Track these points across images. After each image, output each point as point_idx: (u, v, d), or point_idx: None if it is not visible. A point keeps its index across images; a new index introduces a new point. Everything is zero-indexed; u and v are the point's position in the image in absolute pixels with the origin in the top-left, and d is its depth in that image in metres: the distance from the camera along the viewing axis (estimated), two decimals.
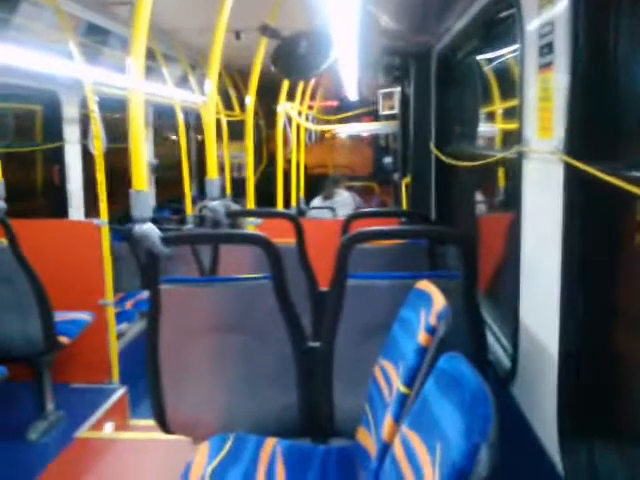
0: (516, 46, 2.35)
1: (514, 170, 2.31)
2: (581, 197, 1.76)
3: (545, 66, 1.94)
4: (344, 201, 8.14)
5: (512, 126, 2.78)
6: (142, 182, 2.34)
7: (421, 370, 1.66)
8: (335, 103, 10.18)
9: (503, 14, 2.76)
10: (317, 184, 8.57)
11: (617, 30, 1.71)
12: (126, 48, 4.74)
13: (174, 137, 7.89)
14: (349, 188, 9.41)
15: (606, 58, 1.73)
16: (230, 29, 3.33)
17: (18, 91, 4.94)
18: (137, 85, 2.30)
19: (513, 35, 2.38)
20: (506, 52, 3.13)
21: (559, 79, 1.82)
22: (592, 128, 1.73)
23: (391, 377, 1.83)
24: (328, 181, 8.42)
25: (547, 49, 1.92)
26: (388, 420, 1.68)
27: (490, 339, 2.68)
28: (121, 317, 4.40)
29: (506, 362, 2.45)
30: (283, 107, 5.97)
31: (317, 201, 8.30)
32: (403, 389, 1.67)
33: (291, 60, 4.05)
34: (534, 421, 2.07)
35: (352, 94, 8.32)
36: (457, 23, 3.66)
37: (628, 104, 1.72)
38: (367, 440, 1.93)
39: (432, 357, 1.65)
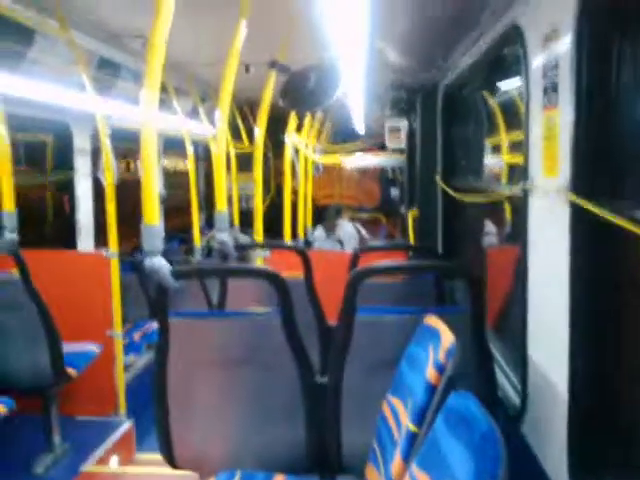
0: (521, 82, 2.39)
1: (520, 206, 2.33)
2: (587, 234, 1.77)
3: (550, 105, 1.97)
4: (348, 235, 8.04)
5: (517, 159, 2.80)
6: (153, 216, 2.35)
7: (430, 408, 1.66)
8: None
9: (508, 52, 2.81)
10: (322, 215, 8.58)
11: (620, 68, 1.74)
12: (138, 80, 4.83)
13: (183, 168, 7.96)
14: (353, 219, 9.43)
15: (610, 97, 1.75)
16: (240, 62, 3.38)
17: (30, 122, 5.02)
18: (150, 117, 2.32)
19: (518, 71, 2.42)
20: (511, 88, 3.18)
21: (564, 118, 1.84)
22: (597, 167, 1.75)
23: (399, 414, 1.82)
24: (330, 211, 8.36)
25: (552, 88, 1.95)
26: (397, 459, 1.67)
27: (498, 374, 2.66)
28: (128, 349, 4.39)
29: (515, 399, 2.43)
30: (291, 139, 6.04)
31: (318, 232, 8.20)
32: (412, 427, 1.67)
33: (299, 94, 4.11)
34: (544, 460, 2.04)
35: (359, 127, 8.40)
36: (463, 59, 3.72)
37: (633, 143, 1.74)
38: (375, 478, 1.91)
39: (441, 395, 1.64)
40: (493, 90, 3.61)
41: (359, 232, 8.41)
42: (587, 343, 1.81)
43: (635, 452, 1.81)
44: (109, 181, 3.93)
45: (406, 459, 1.63)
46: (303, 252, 3.36)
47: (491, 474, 1.16)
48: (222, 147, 3.57)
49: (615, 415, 1.84)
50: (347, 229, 8.24)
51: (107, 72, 4.64)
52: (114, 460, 3.52)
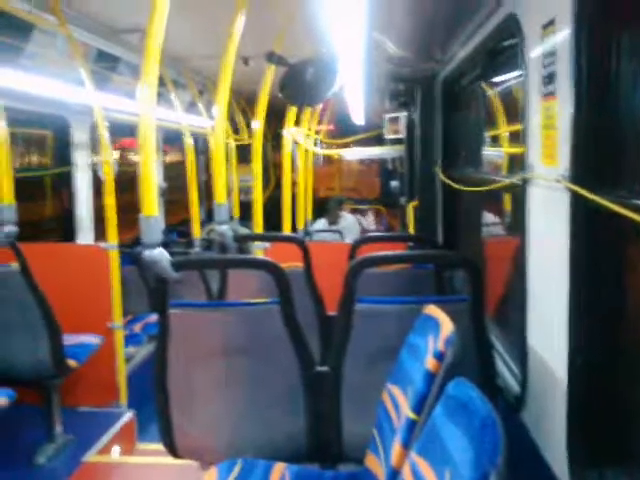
0: (520, 73, 2.39)
1: (519, 196, 2.34)
2: (587, 224, 1.77)
3: (548, 94, 1.97)
4: (350, 226, 8.07)
5: (517, 150, 2.81)
6: (152, 207, 2.37)
7: (429, 396, 1.67)
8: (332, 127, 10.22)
9: (506, 42, 2.80)
10: (324, 207, 8.59)
11: (619, 58, 1.74)
12: (136, 74, 4.82)
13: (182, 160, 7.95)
14: (354, 211, 9.43)
15: (609, 85, 1.75)
16: (238, 55, 3.38)
17: (28, 116, 5.02)
18: (148, 111, 2.33)
19: (516, 62, 2.42)
20: (510, 78, 3.18)
21: (563, 107, 1.85)
22: (597, 156, 1.75)
23: (399, 403, 1.84)
24: (331, 203, 8.38)
25: (550, 78, 1.95)
26: (397, 446, 1.68)
27: (498, 363, 2.68)
28: (129, 340, 4.41)
29: (515, 387, 2.45)
30: (290, 131, 6.03)
31: (321, 224, 8.26)
32: (412, 415, 1.68)
33: (298, 87, 4.11)
34: (544, 448, 2.06)
35: (358, 119, 8.39)
36: (462, 50, 3.71)
37: (632, 132, 1.75)
38: (376, 466, 1.92)
39: (441, 383, 1.66)
40: (492, 81, 3.61)
41: (360, 223, 8.42)
42: (587, 332, 1.82)
43: (635, 441, 1.82)
44: (107, 174, 3.93)
45: (406, 447, 1.65)
46: (302, 243, 3.37)
47: (490, 461, 1.17)
48: (221, 139, 3.57)
49: (615, 404, 1.86)
50: (349, 220, 8.26)
51: (105, 66, 4.64)
52: (115, 450, 3.55)
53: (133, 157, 7.47)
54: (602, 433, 1.84)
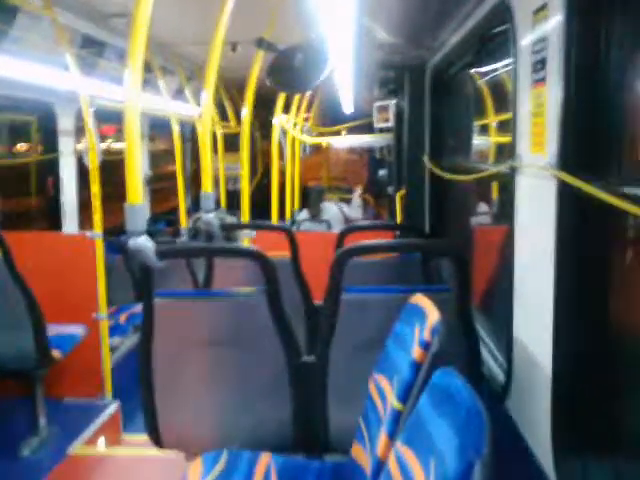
0: (510, 61, 2.37)
1: (507, 184, 2.32)
2: (574, 212, 1.77)
3: (538, 81, 1.96)
4: (333, 218, 7.94)
5: (506, 139, 2.80)
6: (137, 195, 2.34)
7: (415, 385, 1.66)
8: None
9: (497, 30, 2.78)
10: (311, 196, 8.52)
11: (609, 46, 1.73)
12: (122, 60, 4.75)
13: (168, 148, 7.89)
14: (342, 200, 9.39)
15: (599, 74, 1.74)
16: (226, 41, 3.34)
17: (13, 102, 4.94)
18: (133, 97, 2.30)
19: (507, 50, 2.40)
20: (500, 66, 3.16)
21: (552, 95, 1.83)
22: (584, 144, 1.74)
23: (385, 392, 1.83)
24: (312, 195, 8.23)
25: (540, 65, 1.93)
26: (382, 436, 1.68)
27: (484, 353, 2.68)
28: (114, 331, 4.37)
29: (500, 377, 2.45)
30: (278, 119, 5.99)
31: (304, 215, 8.10)
32: (397, 405, 1.67)
33: (287, 73, 4.07)
34: (529, 436, 2.06)
35: (347, 106, 8.35)
36: (452, 38, 3.69)
37: (620, 120, 1.73)
38: (362, 456, 1.92)
39: (426, 372, 1.65)
40: (481, 70, 3.59)
41: (342, 213, 8.36)
42: (572, 322, 1.82)
43: (618, 430, 1.82)
44: (93, 162, 3.88)
45: (391, 436, 1.64)
46: (289, 232, 3.35)
47: (475, 449, 1.16)
48: (207, 127, 3.53)
49: (599, 394, 1.86)
50: (332, 211, 8.19)
51: (91, 51, 4.57)
52: (101, 442, 3.52)
53: (113, 145, 7.35)
54: (586, 423, 1.84)
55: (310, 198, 8.14)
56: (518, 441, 2.08)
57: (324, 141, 9.23)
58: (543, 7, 1.90)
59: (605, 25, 1.73)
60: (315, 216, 7.90)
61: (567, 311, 1.81)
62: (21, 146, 5.69)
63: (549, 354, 1.85)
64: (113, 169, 5.25)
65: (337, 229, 6.76)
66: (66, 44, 3.77)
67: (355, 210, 9.13)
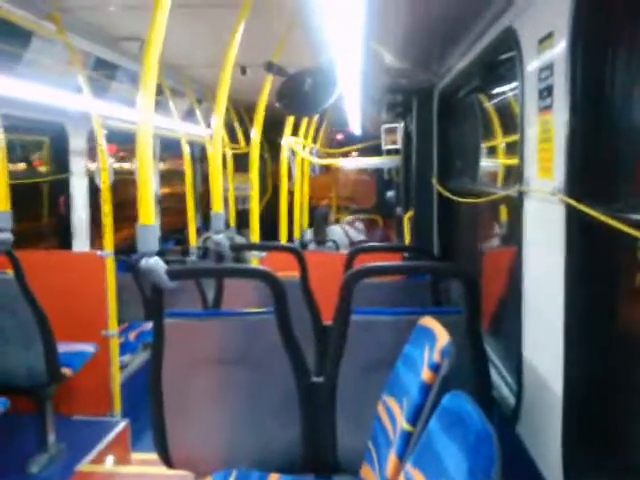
0: (516, 84, 2.40)
1: (515, 208, 2.34)
2: (582, 236, 1.78)
3: (545, 108, 1.99)
4: (340, 240, 7.95)
5: (513, 162, 2.82)
6: (149, 216, 2.35)
7: (425, 408, 1.66)
8: (341, 136, 10.29)
9: (504, 56, 2.82)
10: (316, 220, 8.54)
11: (615, 72, 1.75)
12: (134, 82, 4.83)
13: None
14: (352, 221, 9.42)
15: (605, 100, 1.77)
16: (236, 64, 3.39)
17: (26, 123, 5.02)
18: (146, 119, 2.33)
19: (513, 75, 2.43)
20: (507, 90, 3.19)
21: (559, 121, 1.86)
22: (592, 170, 1.76)
23: (395, 414, 1.83)
24: (316, 219, 8.23)
25: (547, 92, 1.96)
26: (392, 458, 1.68)
27: (494, 376, 2.68)
28: (124, 348, 4.39)
29: (511, 400, 2.44)
30: (287, 141, 6.04)
31: (309, 236, 8.11)
32: (407, 427, 1.68)
33: (296, 97, 4.11)
34: (539, 460, 2.05)
35: (356, 129, 8.41)
36: (459, 63, 3.73)
37: (627, 146, 1.76)
38: (371, 477, 1.92)
39: (436, 395, 1.65)
40: (489, 93, 3.63)
41: (347, 235, 8.37)
42: (582, 344, 1.82)
43: (630, 454, 1.82)
44: (105, 182, 3.93)
45: (401, 458, 1.64)
46: (298, 252, 3.37)
47: (485, 473, 1.17)
48: (218, 148, 3.57)
49: (610, 416, 1.86)
50: (337, 234, 8.20)
51: (103, 73, 4.64)
52: (109, 460, 3.52)
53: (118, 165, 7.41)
54: (597, 446, 1.83)
55: (315, 223, 8.15)
56: (529, 465, 2.07)
57: (333, 162, 9.28)
58: (549, 35, 1.93)
59: (611, 52, 1.76)
60: (321, 242, 7.90)
61: (577, 334, 1.82)
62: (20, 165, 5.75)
63: (560, 377, 1.85)
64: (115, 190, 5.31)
65: (343, 250, 6.78)
66: (79, 67, 3.84)
67: (357, 233, 9.19)
